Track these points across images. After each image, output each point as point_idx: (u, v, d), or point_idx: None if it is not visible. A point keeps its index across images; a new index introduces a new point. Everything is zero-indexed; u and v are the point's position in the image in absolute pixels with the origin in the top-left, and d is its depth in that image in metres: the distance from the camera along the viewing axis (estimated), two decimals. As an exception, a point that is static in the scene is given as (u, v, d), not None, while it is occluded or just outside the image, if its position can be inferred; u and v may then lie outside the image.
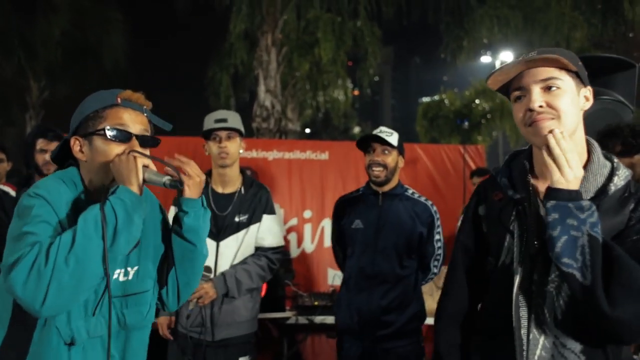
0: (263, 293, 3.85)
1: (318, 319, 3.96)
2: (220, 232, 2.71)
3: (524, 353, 1.32)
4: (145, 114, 1.47)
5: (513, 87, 1.37)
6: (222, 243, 2.70)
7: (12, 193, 3.29)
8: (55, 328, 1.32)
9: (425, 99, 25.81)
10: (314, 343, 4.87)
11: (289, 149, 5.54)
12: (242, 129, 2.80)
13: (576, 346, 1.30)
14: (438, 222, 2.87)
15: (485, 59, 18.59)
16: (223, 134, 2.70)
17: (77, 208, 1.37)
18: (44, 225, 1.28)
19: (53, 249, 1.22)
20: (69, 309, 1.31)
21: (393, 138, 2.80)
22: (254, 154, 5.37)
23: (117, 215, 1.29)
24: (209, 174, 2.81)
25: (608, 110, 2.97)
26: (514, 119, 1.41)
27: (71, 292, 1.23)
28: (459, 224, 4.86)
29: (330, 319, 3.95)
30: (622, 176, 1.33)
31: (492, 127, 17.26)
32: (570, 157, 1.26)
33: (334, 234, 3.06)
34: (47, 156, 3.20)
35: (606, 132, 2.59)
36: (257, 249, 2.79)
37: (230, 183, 2.78)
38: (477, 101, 17.34)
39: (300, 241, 5.32)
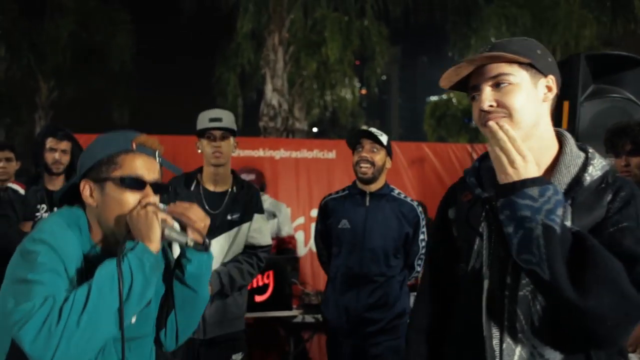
0: (269, 292, 3.88)
1: (325, 317, 3.96)
2: (211, 230, 2.71)
3: None
4: (158, 160, 1.44)
5: (469, 86, 1.30)
6: (213, 241, 2.70)
7: (21, 191, 3.32)
8: None
9: (433, 98, 25.74)
10: (321, 341, 4.86)
11: (296, 147, 5.54)
12: (235, 128, 2.81)
13: (556, 356, 1.18)
14: (423, 222, 2.91)
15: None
16: (218, 133, 2.71)
17: (83, 255, 1.35)
18: (51, 275, 1.25)
19: (66, 308, 1.19)
20: None
21: (383, 138, 2.82)
22: (261, 152, 5.38)
23: (134, 275, 1.27)
24: (200, 171, 2.83)
25: (617, 108, 2.95)
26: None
27: (79, 351, 1.21)
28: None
29: (337, 318, 3.95)
30: (598, 166, 1.23)
31: (500, 126, 17.17)
32: (518, 145, 1.15)
33: (319, 233, 3.07)
34: (57, 155, 3.22)
35: (615, 131, 2.56)
36: (247, 247, 2.80)
37: (222, 182, 2.79)
38: (485, 100, 17.26)
39: (307, 240, 5.32)
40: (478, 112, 1.26)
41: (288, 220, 4.96)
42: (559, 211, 1.10)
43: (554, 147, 1.28)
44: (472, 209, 1.33)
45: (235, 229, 2.75)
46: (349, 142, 2.92)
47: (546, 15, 10.71)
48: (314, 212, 5.40)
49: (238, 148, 2.87)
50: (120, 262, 1.25)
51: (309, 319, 3.96)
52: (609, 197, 1.19)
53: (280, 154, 5.43)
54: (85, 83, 12.28)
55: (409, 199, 2.94)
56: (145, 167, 1.39)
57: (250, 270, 2.75)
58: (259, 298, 3.81)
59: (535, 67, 1.23)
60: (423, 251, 2.89)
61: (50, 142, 3.18)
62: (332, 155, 5.54)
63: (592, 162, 1.23)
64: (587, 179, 1.21)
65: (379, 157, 2.81)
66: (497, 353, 1.22)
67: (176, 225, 1.41)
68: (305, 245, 5.30)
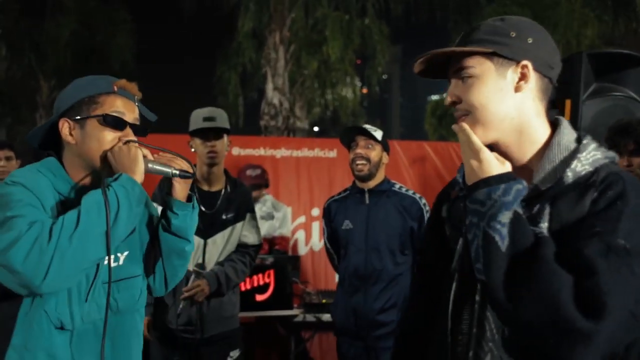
0: (270, 291, 3.87)
1: (325, 316, 3.95)
2: (207, 229, 2.72)
3: None
4: (136, 104, 1.49)
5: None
6: (209, 240, 2.73)
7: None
8: (43, 312, 1.33)
9: (434, 97, 25.73)
10: (322, 341, 4.86)
11: (297, 146, 5.53)
12: (229, 127, 2.80)
13: None
14: (428, 216, 2.81)
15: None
16: (212, 133, 2.70)
17: (59, 194, 1.38)
18: (30, 208, 1.28)
19: (56, 228, 1.23)
20: (68, 287, 1.32)
21: (377, 133, 2.78)
22: (262, 151, 5.37)
23: (120, 202, 1.31)
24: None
25: (619, 107, 2.94)
26: None
27: (72, 271, 1.25)
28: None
29: (338, 317, 3.94)
30: (587, 160, 1.07)
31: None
32: (474, 145, 1.08)
33: (327, 237, 3.05)
34: None
35: (617, 130, 2.54)
36: (240, 246, 2.81)
37: (216, 181, 2.80)
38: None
39: (308, 239, 5.32)
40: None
41: (287, 221, 4.96)
42: (504, 216, 1.00)
43: (542, 139, 1.13)
44: (454, 207, 1.25)
45: (229, 229, 2.76)
46: (342, 141, 2.90)
47: (547, 14, 10.68)
48: (315, 211, 5.40)
49: (239, 147, 2.88)
50: (105, 191, 1.30)
51: (309, 318, 3.96)
52: (593, 197, 1.03)
53: (281, 153, 5.43)
54: (86, 82, 12.25)
55: (410, 192, 2.87)
56: (126, 109, 1.45)
57: (244, 269, 2.78)
58: (259, 297, 3.81)
59: (502, 56, 1.09)
60: None
61: None
62: (333, 154, 5.53)
63: (578, 155, 1.08)
64: (569, 175, 1.06)
65: (375, 153, 2.78)
66: None
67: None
68: (306, 245, 5.29)
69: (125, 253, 1.50)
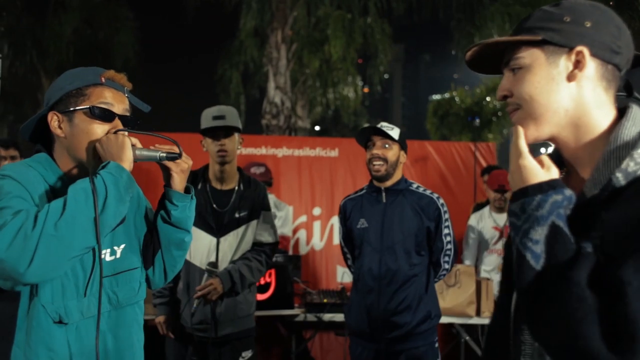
0: (271, 290, 3.87)
1: (327, 316, 3.94)
2: (220, 228, 2.71)
3: None
4: (126, 95, 1.47)
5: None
6: (222, 239, 2.71)
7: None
8: (41, 306, 1.32)
9: (436, 97, 25.70)
10: (323, 340, 4.85)
11: (298, 145, 5.53)
12: (240, 125, 2.78)
13: None
14: (446, 216, 2.75)
15: (497, 56, 18.43)
16: (221, 132, 2.69)
17: (50, 190, 1.37)
18: (19, 200, 1.27)
19: (41, 215, 1.21)
20: (55, 276, 1.30)
21: (394, 132, 2.71)
22: (263, 150, 5.37)
23: (108, 189, 1.29)
24: (206, 169, 2.82)
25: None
26: None
27: (58, 259, 1.22)
28: (470, 222, 4.75)
29: (339, 317, 3.93)
30: None
31: (503, 124, 17.14)
32: (519, 148, 0.99)
33: (342, 236, 3.00)
34: None
35: None
36: (255, 244, 2.79)
37: (229, 179, 2.78)
38: (488, 99, 17.23)
39: (309, 238, 5.31)
40: None
41: (288, 220, 4.96)
42: (536, 232, 0.91)
43: (604, 134, 0.99)
44: None
45: (243, 227, 2.75)
46: (359, 140, 2.83)
47: (550, 14, 10.66)
48: (316, 211, 5.40)
49: (241, 146, 2.86)
50: (92, 178, 1.29)
51: (310, 317, 3.95)
52: None
53: (282, 152, 5.42)
54: (88, 80, 12.24)
55: (428, 192, 2.80)
56: (114, 100, 1.43)
57: (260, 268, 2.74)
58: (260, 296, 3.80)
59: (552, 43, 0.99)
60: (449, 247, 2.74)
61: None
62: (334, 153, 5.52)
63: (632, 152, 0.91)
64: (619, 177, 0.92)
65: (392, 152, 2.71)
66: None
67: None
68: (308, 244, 5.29)
69: (123, 245, 1.49)
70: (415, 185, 2.83)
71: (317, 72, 11.52)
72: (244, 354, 2.74)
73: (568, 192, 0.93)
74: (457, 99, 18.30)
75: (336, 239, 5.29)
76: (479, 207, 4.91)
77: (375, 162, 2.72)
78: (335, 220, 5.34)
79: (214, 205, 2.72)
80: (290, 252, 5.04)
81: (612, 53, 0.99)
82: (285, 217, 4.85)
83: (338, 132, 23.05)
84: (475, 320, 3.91)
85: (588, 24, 0.98)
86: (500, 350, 1.14)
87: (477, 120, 14.60)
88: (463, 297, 3.82)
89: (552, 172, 0.97)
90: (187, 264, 2.71)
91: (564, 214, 0.92)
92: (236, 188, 2.79)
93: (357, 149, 5.55)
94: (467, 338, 4.09)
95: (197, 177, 2.78)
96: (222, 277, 2.62)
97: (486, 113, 16.92)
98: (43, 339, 1.32)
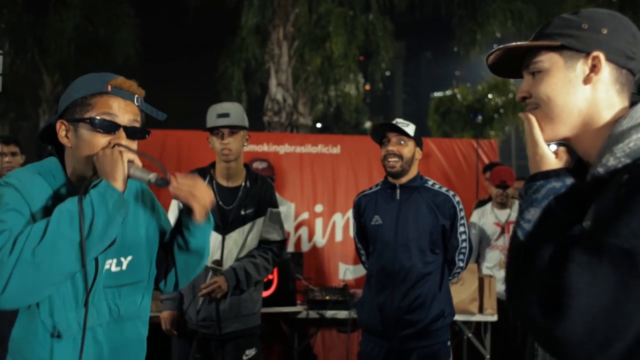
0: (274, 287, 3.86)
1: (329, 313, 3.94)
2: (226, 225, 2.70)
3: None
4: (136, 104, 1.40)
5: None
6: (227, 236, 2.70)
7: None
8: (40, 322, 1.30)
9: (437, 94, 25.66)
10: (325, 337, 4.86)
11: (300, 142, 5.52)
12: (246, 123, 2.75)
13: None
14: (462, 214, 2.72)
15: (498, 53, 18.39)
16: (226, 130, 2.67)
17: (56, 199, 1.33)
18: (13, 214, 1.23)
19: (21, 239, 1.17)
20: (32, 302, 1.27)
21: (409, 128, 2.69)
22: (265, 147, 5.36)
23: (95, 210, 1.24)
24: (212, 166, 2.81)
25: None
26: None
27: (35, 285, 1.19)
28: (472, 219, 4.75)
29: (341, 314, 3.93)
30: (622, 153, 0.97)
31: (505, 121, 17.11)
32: (534, 136, 1.08)
33: (355, 232, 2.96)
34: None
35: None
36: (262, 242, 2.78)
37: (235, 177, 2.77)
38: (489, 96, 17.20)
39: (311, 235, 5.30)
40: None
41: (289, 217, 4.95)
42: (530, 213, 1.00)
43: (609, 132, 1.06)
44: None
45: (249, 224, 2.73)
46: (373, 137, 2.80)
47: (552, 11, 10.60)
48: (318, 208, 5.39)
49: (247, 142, 2.85)
50: (81, 198, 1.23)
51: (313, 314, 3.95)
52: (617, 193, 0.92)
53: (284, 149, 5.41)
54: (90, 77, 12.24)
55: (444, 189, 2.76)
56: (120, 110, 1.37)
57: (266, 265, 2.73)
58: (263, 293, 3.80)
59: (570, 48, 1.06)
60: (464, 245, 2.72)
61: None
62: (336, 150, 5.51)
63: (614, 147, 0.98)
64: (601, 172, 0.99)
65: (407, 149, 2.69)
66: None
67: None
68: (310, 241, 5.28)
69: (130, 257, 1.45)
70: (430, 182, 2.80)
71: (319, 69, 11.50)
72: (247, 352, 2.73)
73: (569, 181, 1.01)
74: (458, 96, 18.27)
75: (338, 236, 5.29)
76: (481, 203, 4.91)
77: (390, 159, 2.69)
78: (337, 217, 5.34)
79: (220, 203, 2.71)
80: (293, 249, 5.04)
81: (626, 58, 1.05)
82: (286, 213, 4.84)
83: (339, 129, 23.03)
84: (478, 318, 3.90)
85: (605, 31, 1.05)
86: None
87: (479, 117, 14.58)
88: (466, 294, 3.82)
89: (563, 161, 1.06)
90: None
91: (562, 199, 1.00)
92: (242, 185, 2.77)
93: (359, 146, 5.58)
94: (470, 335, 4.08)
95: (204, 174, 2.77)
96: (227, 275, 2.61)
97: (488, 110, 16.89)
98: (39, 353, 1.30)
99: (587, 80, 1.05)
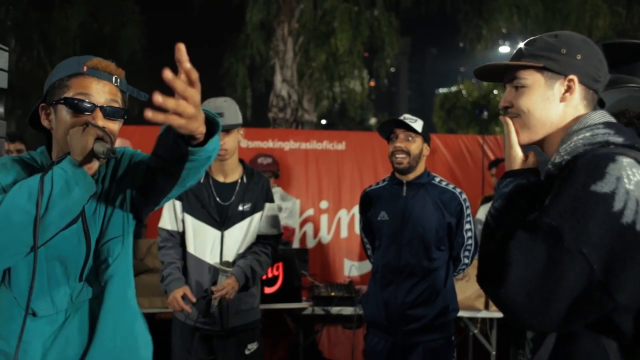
0: (279, 284, 3.86)
1: (334, 309, 3.94)
2: (224, 221, 2.69)
3: None
4: (115, 84, 1.38)
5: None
6: (226, 232, 2.69)
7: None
8: (13, 299, 1.31)
9: (443, 90, 25.58)
10: (330, 334, 4.86)
11: (305, 139, 5.51)
12: (240, 119, 2.72)
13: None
14: (468, 211, 2.71)
15: (504, 49, 18.34)
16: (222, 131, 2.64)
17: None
18: None
19: None
20: None
21: (417, 124, 2.68)
22: (270, 144, 5.35)
23: (54, 185, 1.21)
24: None
25: (636, 98, 2.88)
26: None
27: None
28: (478, 215, 4.76)
29: (347, 310, 3.93)
30: (565, 151, 1.19)
31: (510, 118, 17.03)
32: (511, 139, 1.30)
33: (362, 227, 2.96)
34: None
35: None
36: (260, 236, 2.78)
37: (231, 172, 2.76)
38: (495, 92, 17.13)
39: (316, 232, 5.30)
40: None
41: (295, 213, 4.95)
42: (497, 203, 1.23)
43: None
44: None
45: (247, 220, 2.73)
46: (381, 133, 2.79)
47: (558, 6, 10.54)
48: (324, 204, 5.39)
49: (247, 139, 2.85)
50: (44, 174, 1.22)
51: (318, 311, 3.95)
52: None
53: (289, 145, 5.41)
54: (95, 74, 12.25)
55: (450, 187, 2.76)
56: (96, 90, 1.35)
57: (267, 261, 2.75)
58: (268, 290, 3.80)
59: (551, 70, 1.25)
60: (469, 242, 2.72)
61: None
62: (341, 146, 5.50)
63: (559, 148, 1.21)
64: (551, 168, 1.21)
65: (415, 145, 2.68)
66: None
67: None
68: (315, 238, 5.28)
69: (102, 221, 1.44)
70: (437, 179, 2.79)
71: (324, 65, 11.47)
72: (249, 346, 2.74)
73: (533, 178, 1.24)
74: (464, 92, 18.22)
75: (343, 232, 5.29)
76: (487, 200, 4.89)
77: (397, 155, 2.69)
78: (342, 214, 5.33)
79: (217, 199, 2.70)
80: (298, 246, 5.04)
81: (594, 81, 1.27)
82: (292, 209, 4.83)
83: (344, 125, 23.00)
84: (483, 314, 3.89)
85: (579, 57, 1.25)
86: None
87: (485, 114, 14.53)
88: (471, 291, 3.81)
89: (531, 163, 1.28)
90: (194, 259, 2.69)
91: (525, 193, 1.21)
92: (239, 181, 2.76)
93: (364, 142, 5.57)
94: (476, 331, 4.07)
95: None
96: (237, 274, 2.61)
97: (493, 106, 16.82)
98: (15, 330, 1.30)
99: (562, 99, 1.26)
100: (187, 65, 1.05)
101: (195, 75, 1.06)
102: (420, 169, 2.75)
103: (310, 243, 5.24)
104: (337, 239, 5.30)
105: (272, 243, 2.80)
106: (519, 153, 1.29)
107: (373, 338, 2.76)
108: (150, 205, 1.51)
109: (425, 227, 2.67)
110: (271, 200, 2.84)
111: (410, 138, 2.68)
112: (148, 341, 1.53)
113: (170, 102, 1.04)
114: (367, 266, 4.79)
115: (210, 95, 2.87)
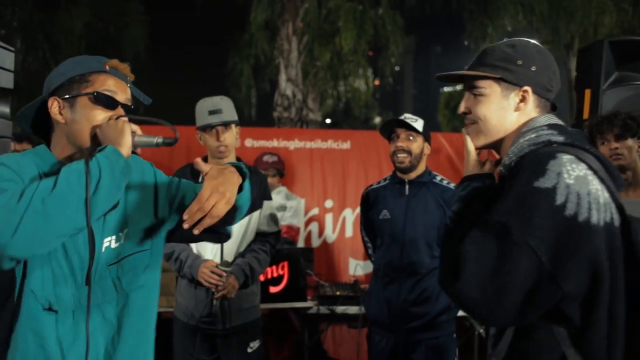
0: (284, 283, 3.86)
1: (340, 309, 3.94)
2: None
3: None
4: (128, 85, 1.44)
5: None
6: None
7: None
8: (30, 292, 1.32)
9: (448, 89, 25.53)
10: (335, 333, 4.85)
11: (310, 138, 5.50)
12: (236, 116, 2.74)
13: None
14: None
15: (509, 47, 18.26)
16: (220, 127, 2.65)
17: (44, 174, 1.35)
18: (9, 183, 1.25)
19: (29, 190, 1.18)
20: (39, 253, 1.26)
21: (418, 124, 2.70)
22: (275, 143, 5.35)
23: (102, 171, 1.25)
24: (205, 162, 2.78)
25: (641, 96, 2.87)
26: None
27: (44, 235, 1.19)
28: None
29: (352, 309, 3.93)
30: (513, 153, 1.27)
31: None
32: (468, 148, 1.40)
33: (362, 225, 3.00)
34: None
35: (604, 118, 2.53)
36: (258, 234, 2.79)
37: None
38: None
39: (321, 231, 5.30)
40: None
41: (299, 212, 4.94)
42: (455, 205, 1.32)
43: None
44: None
45: (246, 218, 2.73)
46: (382, 133, 2.83)
47: (564, 4, 10.50)
48: (329, 203, 5.38)
49: (252, 138, 2.85)
50: (87, 160, 1.25)
51: (323, 310, 3.95)
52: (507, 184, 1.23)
53: (294, 144, 5.40)
54: (100, 74, 12.31)
55: (452, 185, 2.79)
56: (118, 88, 1.41)
57: (266, 258, 2.76)
58: (273, 289, 3.80)
59: (507, 81, 1.33)
60: None
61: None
62: (346, 145, 5.49)
63: (509, 150, 1.29)
64: (502, 169, 1.29)
65: (416, 145, 2.72)
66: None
67: None
68: (320, 237, 5.28)
69: (126, 230, 1.46)
70: (439, 178, 2.82)
71: (328, 64, 11.46)
72: (251, 344, 2.75)
73: (488, 182, 1.34)
74: (469, 90, 18.15)
75: (348, 232, 5.28)
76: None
77: (399, 154, 2.72)
78: (347, 213, 5.32)
79: None
80: (303, 245, 5.03)
81: (547, 91, 1.35)
82: (296, 208, 4.83)
83: (349, 124, 22.96)
84: (489, 313, 3.88)
85: (534, 68, 1.33)
86: None
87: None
88: (477, 290, 3.80)
89: (487, 169, 1.39)
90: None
91: (480, 195, 1.30)
92: None
93: (369, 142, 5.55)
94: (481, 331, 4.06)
95: (195, 170, 2.75)
96: (237, 273, 2.62)
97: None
98: (31, 325, 1.31)
99: (517, 109, 1.34)
100: (206, 206, 1.29)
101: (212, 206, 1.30)
102: (421, 167, 2.78)
103: (315, 242, 5.23)
104: (342, 238, 5.30)
105: (270, 240, 2.81)
106: (475, 159, 1.39)
107: (375, 336, 2.79)
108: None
109: (427, 226, 2.70)
110: (269, 198, 2.85)
111: (411, 137, 2.72)
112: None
113: (202, 226, 1.33)
114: (372, 265, 4.78)
115: (215, 93, 2.88)
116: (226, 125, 2.66)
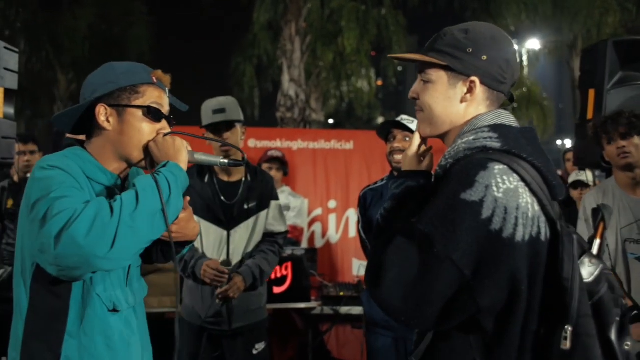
0: (288, 283, 3.86)
1: (343, 309, 3.93)
2: (230, 220, 2.69)
3: None
4: (167, 95, 1.50)
5: None
6: (232, 231, 2.69)
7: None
8: (96, 296, 1.37)
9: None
10: (339, 334, 4.85)
11: (313, 138, 5.50)
12: (241, 116, 2.75)
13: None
14: None
15: (512, 46, 18.23)
16: (223, 127, 2.66)
17: (90, 179, 1.39)
18: (74, 190, 1.28)
19: (117, 205, 1.24)
20: (123, 265, 1.39)
21: (414, 125, 2.70)
22: (278, 143, 5.35)
23: (171, 186, 1.33)
24: None
25: (645, 95, 2.86)
26: None
27: (134, 247, 1.28)
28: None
29: (355, 310, 3.92)
30: (449, 154, 1.21)
31: (519, 116, 16.94)
32: (413, 142, 1.35)
33: (361, 225, 3.00)
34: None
35: (610, 117, 2.53)
36: (266, 234, 2.78)
37: (235, 171, 2.76)
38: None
39: (325, 231, 5.30)
40: None
41: (303, 212, 4.94)
42: (388, 203, 1.27)
43: None
44: None
45: (253, 218, 2.73)
46: (379, 134, 2.84)
47: (567, 3, 10.48)
48: (332, 204, 5.38)
49: (255, 139, 2.86)
50: (154, 176, 1.33)
51: (327, 310, 3.94)
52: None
53: (297, 144, 5.40)
54: (104, 75, 12.33)
55: None
56: (162, 100, 1.47)
57: (275, 259, 2.75)
58: (277, 289, 3.80)
59: (454, 70, 1.24)
60: None
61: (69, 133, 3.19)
62: (349, 146, 5.49)
63: (445, 152, 1.23)
64: (438, 170, 1.23)
65: None
66: None
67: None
68: (323, 237, 5.28)
69: None
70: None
71: (331, 64, 11.48)
72: (257, 346, 2.74)
73: (423, 181, 1.28)
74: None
75: (352, 232, 5.27)
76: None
77: (396, 155, 2.73)
78: (351, 213, 5.32)
79: (222, 198, 2.70)
80: (306, 245, 5.03)
81: (498, 83, 1.25)
82: (300, 209, 4.83)
83: (351, 125, 22.92)
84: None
85: (484, 58, 1.23)
86: None
87: (493, 112, 14.42)
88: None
89: (424, 165, 1.33)
90: None
91: (414, 194, 1.25)
92: (243, 179, 2.76)
93: (372, 142, 5.54)
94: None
95: (204, 170, 2.76)
96: (245, 274, 2.60)
97: (502, 105, 16.73)
98: (99, 327, 1.37)
99: (463, 100, 1.25)
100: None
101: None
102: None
103: (319, 243, 5.23)
104: (345, 239, 5.30)
105: (278, 241, 2.81)
106: (414, 156, 1.33)
107: (373, 336, 2.80)
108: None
109: None
110: (276, 198, 2.85)
111: (407, 138, 2.72)
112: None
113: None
114: (375, 266, 4.78)
115: (219, 93, 2.89)
116: (229, 123, 2.66)
